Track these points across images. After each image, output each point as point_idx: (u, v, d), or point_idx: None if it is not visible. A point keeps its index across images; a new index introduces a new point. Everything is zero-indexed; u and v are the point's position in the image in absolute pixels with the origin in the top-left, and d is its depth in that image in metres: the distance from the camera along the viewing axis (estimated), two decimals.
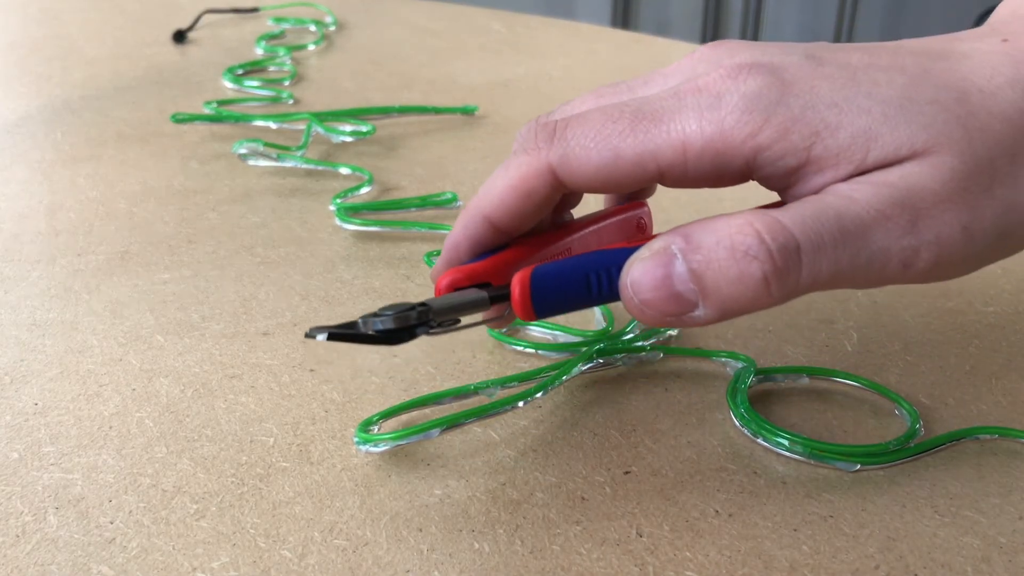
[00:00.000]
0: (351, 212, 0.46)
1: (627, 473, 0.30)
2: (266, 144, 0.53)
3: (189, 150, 0.56)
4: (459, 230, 0.28)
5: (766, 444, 0.30)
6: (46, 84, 0.69)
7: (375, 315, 0.25)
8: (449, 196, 0.48)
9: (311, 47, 0.78)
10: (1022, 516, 0.28)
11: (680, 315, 0.24)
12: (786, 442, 0.30)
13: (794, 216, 0.23)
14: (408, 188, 0.51)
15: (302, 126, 0.57)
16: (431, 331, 0.26)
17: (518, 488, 0.29)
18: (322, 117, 0.58)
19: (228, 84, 0.67)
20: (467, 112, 0.61)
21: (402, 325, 0.25)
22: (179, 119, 0.58)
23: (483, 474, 0.30)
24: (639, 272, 0.24)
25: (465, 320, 0.27)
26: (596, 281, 0.25)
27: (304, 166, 0.53)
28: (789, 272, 0.22)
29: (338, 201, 0.47)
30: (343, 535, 0.27)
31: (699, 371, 0.35)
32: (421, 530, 0.28)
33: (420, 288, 0.41)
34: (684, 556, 0.27)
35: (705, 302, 0.23)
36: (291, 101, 0.64)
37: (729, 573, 0.26)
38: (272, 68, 0.71)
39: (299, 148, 0.53)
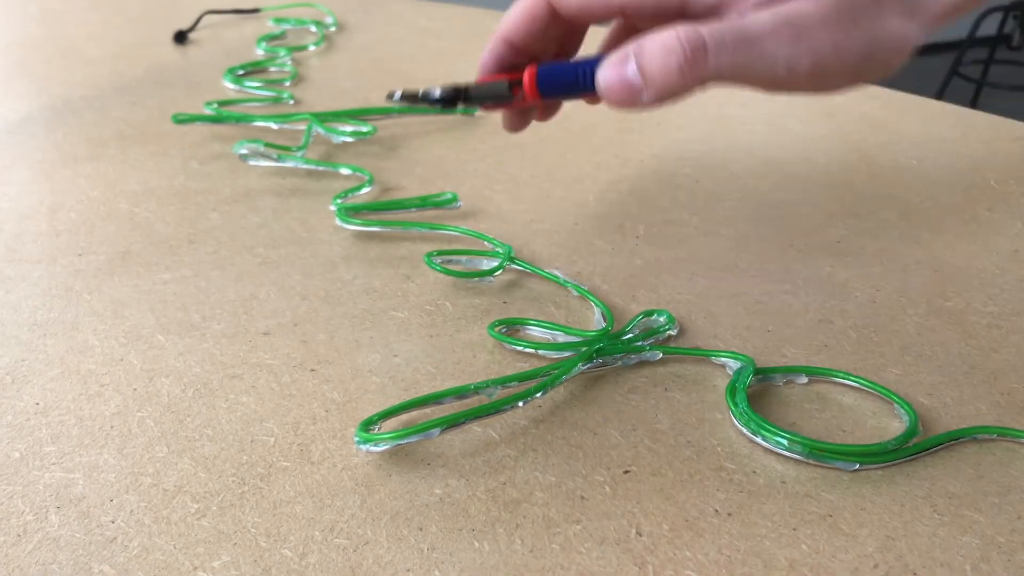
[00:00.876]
0: (351, 212, 0.46)
1: (627, 473, 0.30)
2: (267, 144, 0.53)
3: (190, 150, 0.56)
4: (486, 53, 0.38)
5: (766, 444, 0.30)
6: (46, 84, 0.69)
7: (431, 89, 0.38)
8: (449, 196, 0.48)
9: (312, 47, 0.78)
10: (1021, 515, 0.28)
11: (633, 98, 0.32)
12: (785, 442, 0.30)
13: (708, 26, 0.30)
14: (408, 188, 0.51)
15: (303, 127, 0.57)
16: (467, 102, 0.37)
17: (518, 488, 0.29)
18: (322, 117, 0.58)
19: (229, 85, 0.67)
20: (467, 113, 0.62)
21: (449, 96, 0.37)
22: (180, 119, 0.58)
23: (483, 474, 0.30)
24: (607, 67, 0.32)
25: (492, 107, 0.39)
26: (582, 74, 0.34)
27: (304, 166, 0.53)
28: (697, 62, 0.30)
29: (338, 201, 0.47)
30: (344, 534, 0.27)
31: (699, 371, 0.35)
32: (421, 529, 0.28)
33: (420, 288, 0.41)
34: (683, 555, 0.27)
35: (647, 88, 0.31)
36: (291, 102, 0.64)
37: (728, 572, 0.26)
38: (273, 69, 0.71)
39: (299, 148, 0.53)
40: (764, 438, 0.31)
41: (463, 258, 0.43)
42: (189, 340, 0.37)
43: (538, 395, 0.32)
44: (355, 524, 0.28)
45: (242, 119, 0.59)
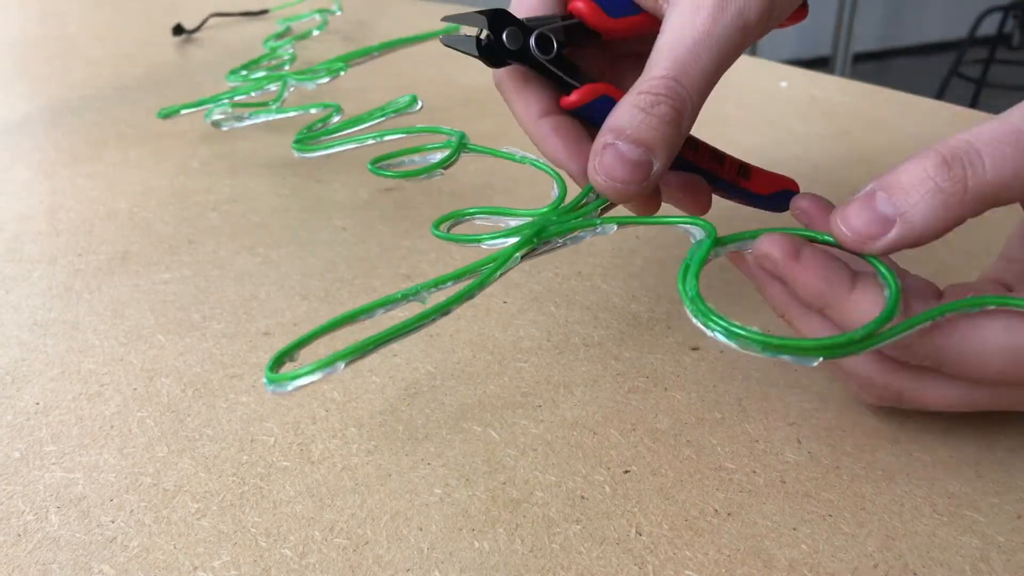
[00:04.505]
0: (310, 141, 0.43)
1: (626, 472, 0.30)
2: (235, 104, 0.52)
3: (190, 150, 0.56)
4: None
5: (717, 337, 0.26)
6: (47, 84, 0.69)
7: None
8: (407, 99, 0.43)
9: (315, 32, 0.78)
10: (1020, 515, 0.28)
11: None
12: (737, 337, 0.25)
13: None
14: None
15: (275, 87, 0.57)
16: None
17: (518, 488, 0.29)
18: (300, 76, 0.58)
19: (233, 84, 0.67)
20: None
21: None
22: (165, 114, 0.57)
23: (483, 474, 0.30)
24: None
25: None
26: None
27: (277, 116, 0.52)
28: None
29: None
30: (343, 534, 0.27)
31: (697, 368, 0.35)
32: (421, 529, 0.28)
33: None
34: (683, 555, 0.27)
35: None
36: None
37: (728, 572, 0.26)
38: (273, 61, 0.71)
39: (274, 101, 0.53)
40: (712, 330, 0.26)
41: (415, 156, 0.38)
42: (189, 340, 0.37)
43: (475, 294, 0.29)
44: (355, 524, 0.28)
45: (219, 99, 0.58)
